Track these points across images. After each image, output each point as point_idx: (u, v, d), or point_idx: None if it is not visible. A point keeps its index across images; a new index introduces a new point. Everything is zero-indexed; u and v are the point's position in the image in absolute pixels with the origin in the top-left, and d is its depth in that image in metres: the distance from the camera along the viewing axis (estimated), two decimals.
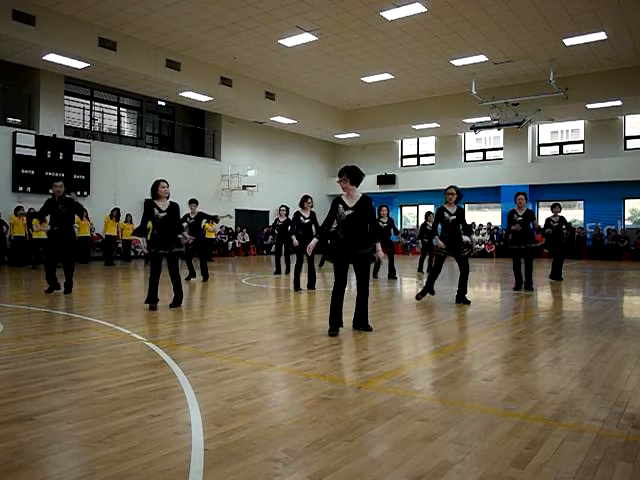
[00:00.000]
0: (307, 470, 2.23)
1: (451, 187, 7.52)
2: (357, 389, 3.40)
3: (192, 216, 10.80)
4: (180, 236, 7.22)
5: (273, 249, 22.20)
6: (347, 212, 5.21)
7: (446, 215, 7.43)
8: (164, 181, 6.98)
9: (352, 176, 5.25)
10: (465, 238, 7.73)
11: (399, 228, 25.44)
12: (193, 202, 10.94)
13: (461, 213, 7.47)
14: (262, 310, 7.00)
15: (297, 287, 9.07)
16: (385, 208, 11.76)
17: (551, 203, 11.90)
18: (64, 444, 2.51)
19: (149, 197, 7.10)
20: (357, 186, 5.30)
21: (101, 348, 4.60)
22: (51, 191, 8.43)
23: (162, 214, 6.84)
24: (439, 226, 7.63)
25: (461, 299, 7.56)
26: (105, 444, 2.48)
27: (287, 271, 12.56)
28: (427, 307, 7.40)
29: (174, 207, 6.93)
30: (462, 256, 7.50)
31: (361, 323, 5.40)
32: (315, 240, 5.61)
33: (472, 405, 3.11)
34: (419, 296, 7.71)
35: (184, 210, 12.07)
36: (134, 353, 4.38)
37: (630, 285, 11.16)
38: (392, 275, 11.47)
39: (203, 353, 4.38)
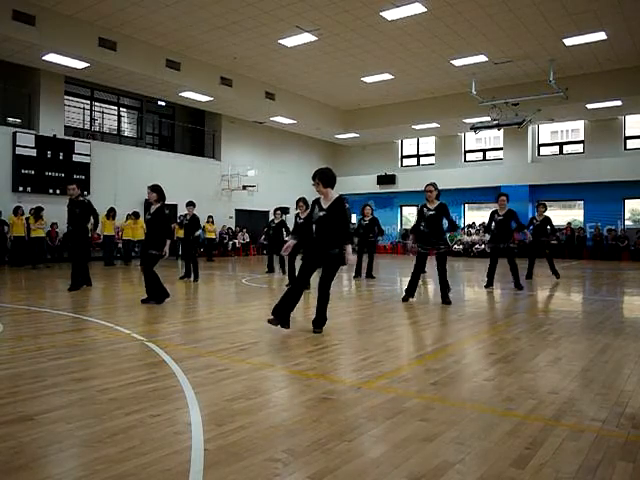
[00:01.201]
0: (307, 470, 2.23)
1: (428, 185, 7.60)
2: (357, 389, 3.40)
3: (188, 217, 11.18)
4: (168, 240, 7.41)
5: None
6: (320, 213, 5.25)
7: (425, 210, 7.57)
8: (149, 187, 7.34)
9: (324, 178, 5.25)
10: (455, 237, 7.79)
11: (399, 228, 25.46)
12: (190, 205, 11.24)
13: (441, 209, 7.49)
14: (262, 310, 7.00)
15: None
16: (369, 207, 11.70)
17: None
18: (64, 444, 2.51)
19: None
20: (332, 187, 5.30)
21: (101, 348, 4.60)
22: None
23: (148, 217, 7.31)
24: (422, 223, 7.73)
25: (445, 299, 7.52)
26: (105, 444, 2.48)
27: (271, 270, 12.71)
28: (427, 307, 7.41)
29: (156, 212, 7.22)
30: (439, 253, 7.52)
31: (317, 324, 5.32)
32: (292, 241, 5.68)
33: (472, 405, 3.11)
34: (405, 298, 7.72)
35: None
36: (134, 353, 4.39)
37: (630, 285, 11.16)
38: (369, 274, 11.31)
39: (203, 353, 4.38)
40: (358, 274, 11.38)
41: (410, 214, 26.28)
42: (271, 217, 23.95)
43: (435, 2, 12.48)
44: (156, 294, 7.29)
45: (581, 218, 21.39)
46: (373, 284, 10.50)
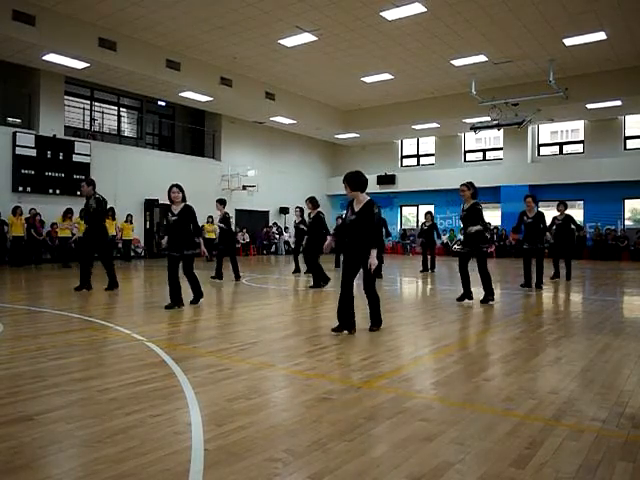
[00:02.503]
0: (307, 470, 2.23)
1: (462, 185, 7.49)
2: (357, 389, 3.40)
3: (224, 216, 10.59)
4: (197, 240, 7.13)
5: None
6: (352, 217, 5.30)
7: (461, 212, 7.53)
8: (175, 186, 7.06)
9: (351, 182, 5.30)
10: (472, 228, 7.50)
11: (398, 228, 25.46)
12: (218, 202, 10.69)
13: (472, 209, 7.37)
14: (262, 310, 7.00)
15: (325, 282, 9.49)
16: (377, 209, 11.57)
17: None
18: (64, 444, 2.51)
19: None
20: (362, 191, 5.32)
21: (101, 348, 4.60)
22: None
23: (173, 218, 6.95)
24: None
25: (485, 300, 7.52)
26: (105, 444, 2.48)
27: (297, 270, 12.39)
28: (427, 307, 7.41)
29: (186, 210, 6.95)
30: (480, 252, 7.41)
31: (373, 323, 5.49)
32: (330, 238, 5.72)
33: (472, 405, 3.11)
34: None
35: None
36: (134, 353, 4.38)
37: (630, 285, 11.16)
38: (378, 275, 11.21)
39: (203, 353, 4.38)
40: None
41: (410, 214, 26.30)
42: (273, 216, 24.08)
43: (435, 2, 12.48)
44: (199, 294, 7.24)
45: (581, 218, 21.37)
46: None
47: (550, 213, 11.70)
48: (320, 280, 9.48)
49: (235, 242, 11.48)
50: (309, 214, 9.87)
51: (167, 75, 16.09)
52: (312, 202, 9.70)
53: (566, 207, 11.41)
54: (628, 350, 4.58)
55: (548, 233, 10.40)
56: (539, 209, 9.81)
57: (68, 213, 14.10)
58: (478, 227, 7.32)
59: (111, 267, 8.78)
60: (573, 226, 11.32)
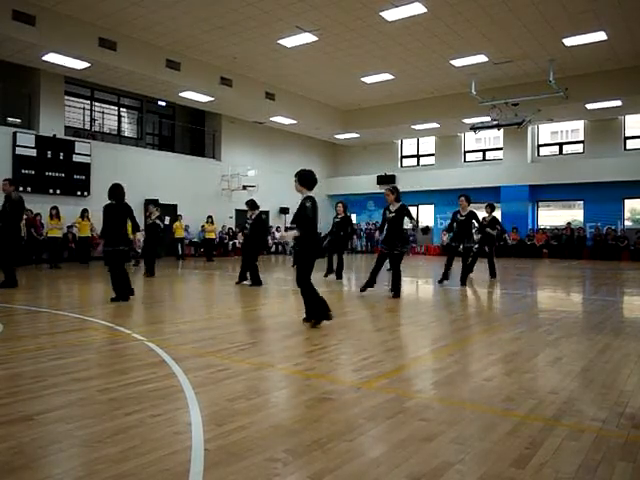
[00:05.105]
0: (307, 470, 2.23)
1: (386, 189, 8.27)
2: (357, 389, 3.40)
3: (253, 217, 10.65)
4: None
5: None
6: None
7: (387, 213, 8.16)
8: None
9: (301, 179, 5.60)
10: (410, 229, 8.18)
11: None
12: (151, 204, 11.88)
13: (402, 210, 8.03)
14: (262, 310, 7.00)
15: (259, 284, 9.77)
16: (340, 205, 11.45)
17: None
18: (64, 444, 2.51)
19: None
20: (308, 188, 5.59)
21: (101, 348, 4.60)
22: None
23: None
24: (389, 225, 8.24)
25: (394, 292, 8.00)
26: (105, 444, 2.48)
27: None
28: (427, 307, 7.41)
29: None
30: (394, 254, 8.02)
31: (309, 316, 5.68)
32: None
33: (472, 405, 3.11)
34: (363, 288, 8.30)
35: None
36: (134, 353, 4.38)
37: (630, 285, 11.17)
38: (338, 275, 10.89)
39: (203, 353, 4.38)
40: (329, 272, 11.12)
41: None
42: (273, 216, 24.11)
43: (435, 2, 12.48)
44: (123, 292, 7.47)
45: (581, 218, 21.38)
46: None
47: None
48: (257, 281, 9.72)
49: (157, 243, 12.13)
50: (250, 215, 10.22)
51: (167, 75, 16.09)
52: (251, 205, 10.08)
53: (492, 209, 11.84)
54: (628, 350, 4.58)
55: (474, 232, 10.76)
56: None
57: (53, 209, 13.93)
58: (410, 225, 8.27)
59: (7, 266, 8.93)
60: (497, 227, 11.72)
